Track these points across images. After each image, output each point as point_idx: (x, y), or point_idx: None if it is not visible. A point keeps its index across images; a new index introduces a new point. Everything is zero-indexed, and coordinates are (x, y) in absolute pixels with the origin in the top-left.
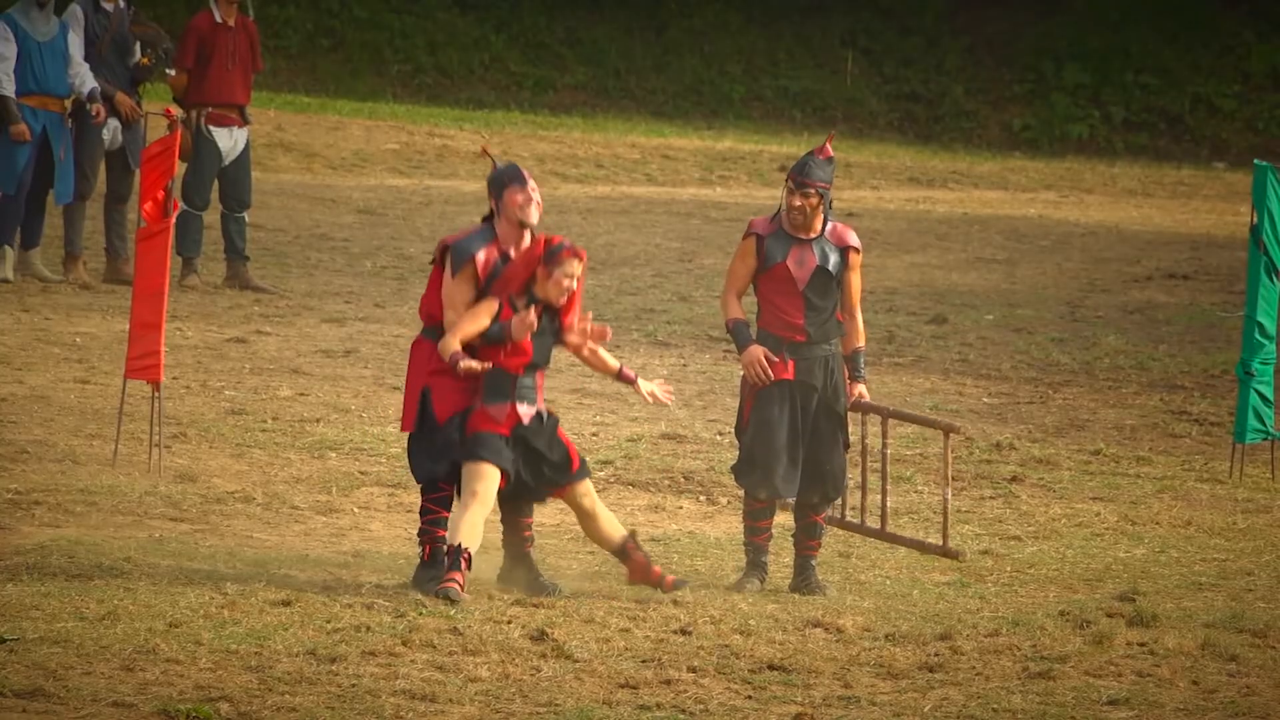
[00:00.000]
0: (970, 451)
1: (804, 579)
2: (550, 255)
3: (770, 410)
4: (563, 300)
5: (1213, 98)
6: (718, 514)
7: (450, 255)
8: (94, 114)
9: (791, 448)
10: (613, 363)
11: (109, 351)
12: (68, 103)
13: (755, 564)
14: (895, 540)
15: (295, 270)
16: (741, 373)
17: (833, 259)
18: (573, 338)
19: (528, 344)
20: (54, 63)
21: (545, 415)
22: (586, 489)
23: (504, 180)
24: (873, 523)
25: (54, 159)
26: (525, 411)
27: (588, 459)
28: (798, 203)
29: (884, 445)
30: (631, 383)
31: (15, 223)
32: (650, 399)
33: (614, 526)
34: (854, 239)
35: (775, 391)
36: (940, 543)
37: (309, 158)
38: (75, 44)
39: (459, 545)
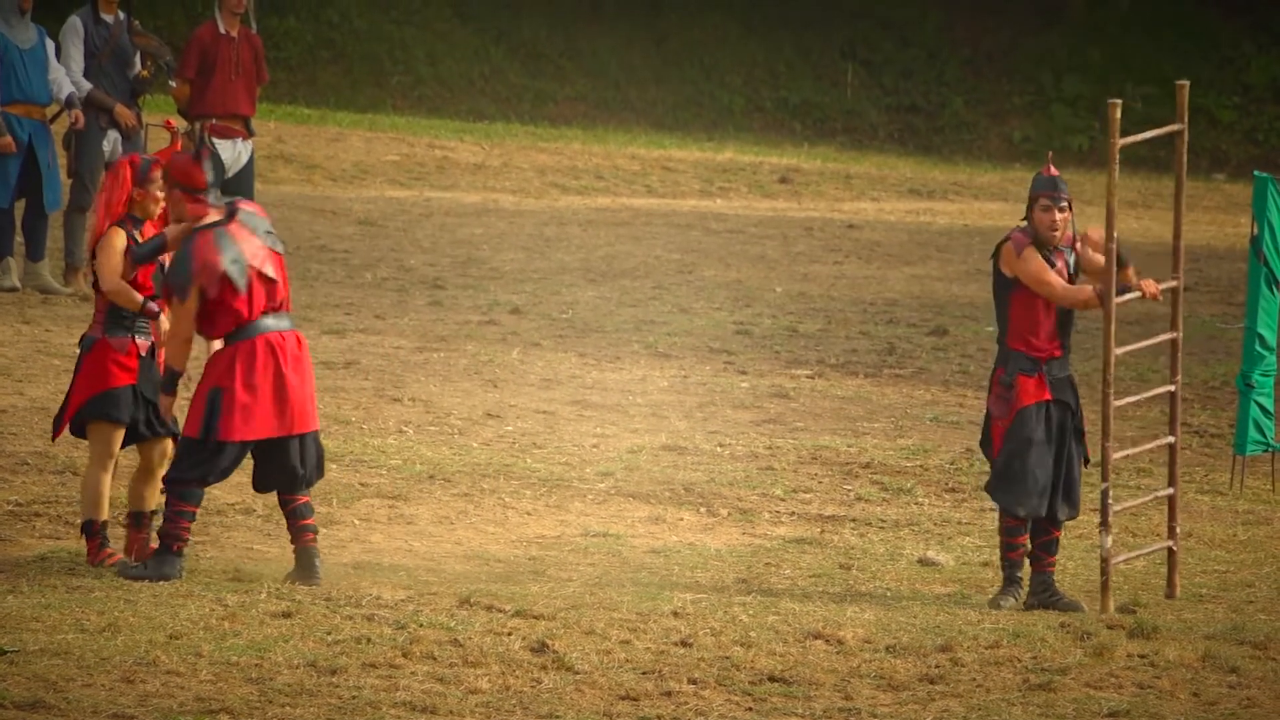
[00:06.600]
0: (971, 463)
1: (1047, 594)
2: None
3: (1032, 428)
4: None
5: (1212, 109)
6: (718, 525)
7: None
8: (73, 119)
9: (1043, 464)
10: None
11: None
12: (49, 110)
13: (1012, 580)
14: None
15: (295, 282)
16: (992, 390)
17: (1073, 262)
18: None
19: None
20: (36, 70)
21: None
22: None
23: None
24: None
25: (40, 166)
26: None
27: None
28: (1059, 215)
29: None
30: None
31: (11, 234)
32: None
33: (155, 495)
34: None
35: (1034, 410)
36: None
37: (309, 169)
38: (54, 50)
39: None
